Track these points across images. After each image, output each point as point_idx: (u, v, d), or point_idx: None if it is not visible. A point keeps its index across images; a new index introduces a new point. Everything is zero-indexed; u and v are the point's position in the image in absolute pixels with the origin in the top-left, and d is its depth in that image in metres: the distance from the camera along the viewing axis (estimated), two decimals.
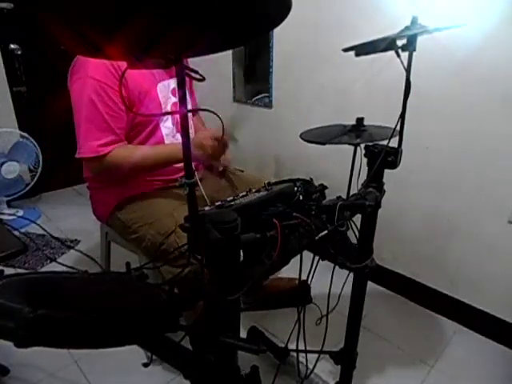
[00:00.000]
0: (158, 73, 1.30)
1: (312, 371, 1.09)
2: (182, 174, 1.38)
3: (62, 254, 2.05)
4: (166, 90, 1.33)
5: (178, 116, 1.36)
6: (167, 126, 1.35)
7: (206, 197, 1.25)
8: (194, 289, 1.08)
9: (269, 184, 0.81)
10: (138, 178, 1.32)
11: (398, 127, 0.86)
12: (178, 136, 1.39)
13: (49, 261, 1.95)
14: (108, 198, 1.36)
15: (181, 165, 1.33)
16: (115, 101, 1.17)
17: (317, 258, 0.81)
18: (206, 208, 0.65)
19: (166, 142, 1.35)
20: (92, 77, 1.14)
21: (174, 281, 1.13)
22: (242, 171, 1.57)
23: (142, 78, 1.24)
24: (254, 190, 0.78)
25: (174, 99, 1.36)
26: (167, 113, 1.42)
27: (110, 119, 1.18)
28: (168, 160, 1.26)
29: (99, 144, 1.18)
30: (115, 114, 1.19)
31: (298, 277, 0.80)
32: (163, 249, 1.16)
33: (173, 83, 1.36)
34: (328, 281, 0.91)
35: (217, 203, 0.67)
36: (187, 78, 0.52)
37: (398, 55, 0.78)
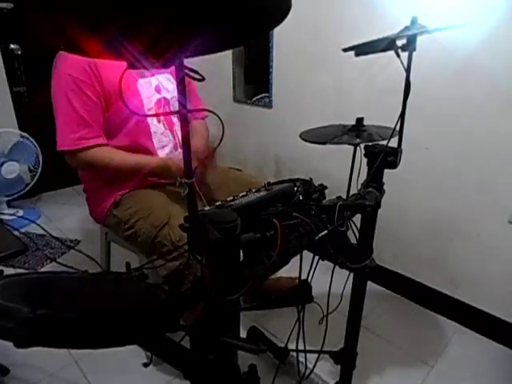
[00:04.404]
0: (136, 70, 1.31)
1: (312, 371, 1.09)
2: None
3: (62, 253, 2.05)
4: (148, 86, 1.34)
5: (163, 112, 1.39)
6: (155, 124, 1.36)
7: (202, 196, 1.26)
8: (188, 283, 1.08)
9: (269, 184, 0.81)
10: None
11: (398, 127, 0.86)
12: (168, 132, 1.40)
13: (49, 261, 1.95)
14: (104, 197, 1.36)
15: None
16: (89, 95, 1.21)
17: (317, 257, 0.81)
18: (206, 208, 0.65)
19: (154, 139, 1.36)
20: (68, 73, 1.19)
21: (171, 278, 1.14)
22: (240, 170, 1.56)
23: (119, 74, 1.24)
24: (253, 190, 0.77)
25: (159, 96, 1.37)
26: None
27: (85, 113, 1.22)
28: (141, 168, 1.29)
29: (77, 137, 1.22)
30: (90, 109, 1.22)
31: (297, 276, 0.80)
32: (157, 242, 1.16)
33: (155, 80, 1.37)
34: (328, 281, 0.91)
35: (217, 203, 0.67)
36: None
37: (398, 55, 0.78)
